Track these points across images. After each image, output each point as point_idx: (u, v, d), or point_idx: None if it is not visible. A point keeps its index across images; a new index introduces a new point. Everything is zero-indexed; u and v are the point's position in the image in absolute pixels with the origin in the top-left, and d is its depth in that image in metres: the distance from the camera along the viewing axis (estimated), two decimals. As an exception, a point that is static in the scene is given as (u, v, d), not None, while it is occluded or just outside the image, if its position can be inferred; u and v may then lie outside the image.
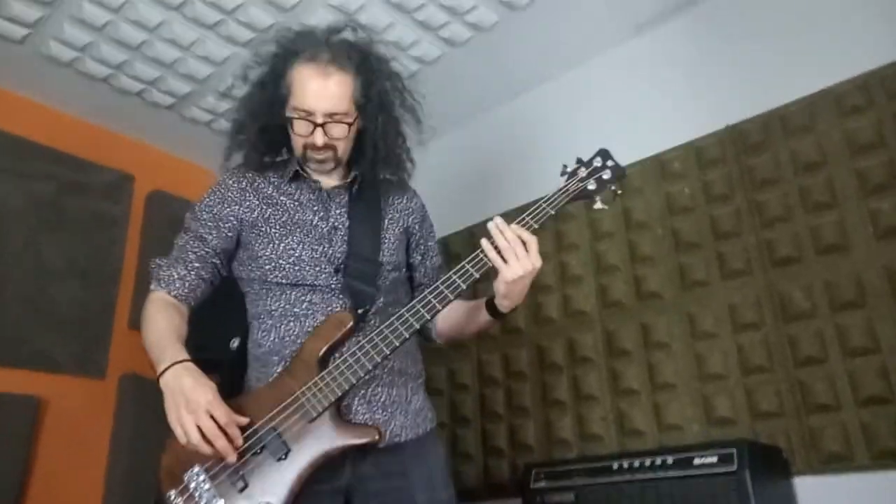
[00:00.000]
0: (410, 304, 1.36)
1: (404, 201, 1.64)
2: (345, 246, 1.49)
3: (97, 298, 2.95)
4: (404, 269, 1.60)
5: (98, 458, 2.75)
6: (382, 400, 1.42)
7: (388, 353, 1.33)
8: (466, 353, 2.94)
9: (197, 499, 1.27)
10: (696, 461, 1.93)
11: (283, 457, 1.28)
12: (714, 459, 1.91)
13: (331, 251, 1.48)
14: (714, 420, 2.27)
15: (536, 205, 1.41)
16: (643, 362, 2.47)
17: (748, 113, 2.45)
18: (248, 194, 1.53)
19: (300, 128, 1.48)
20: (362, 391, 1.40)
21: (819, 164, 2.27)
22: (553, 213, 1.41)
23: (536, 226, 1.38)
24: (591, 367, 2.59)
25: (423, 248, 1.66)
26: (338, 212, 1.53)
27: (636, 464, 2.03)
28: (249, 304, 1.52)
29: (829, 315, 2.14)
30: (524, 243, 1.34)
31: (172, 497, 1.28)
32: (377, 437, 1.32)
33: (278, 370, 1.41)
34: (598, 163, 1.48)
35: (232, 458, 1.25)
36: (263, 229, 1.49)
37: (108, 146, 3.16)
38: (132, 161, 3.21)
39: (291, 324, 1.44)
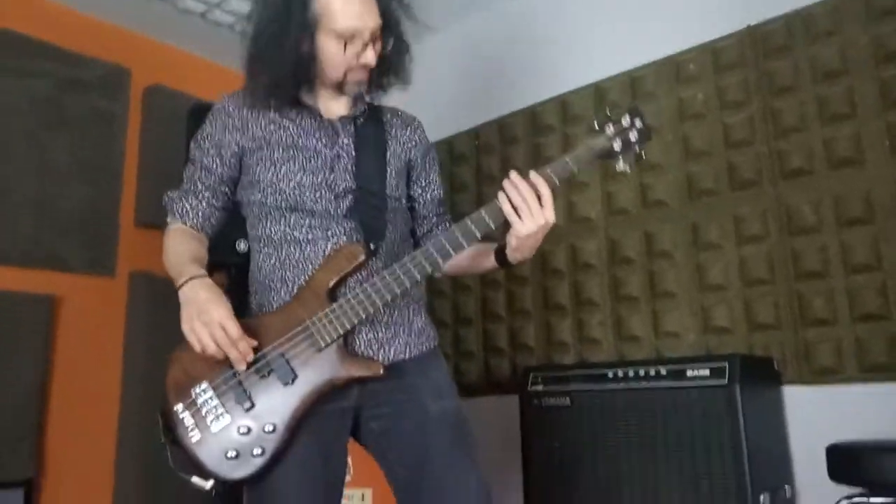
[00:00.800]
0: (425, 248, 1.36)
1: (408, 133, 1.59)
2: (348, 177, 1.47)
3: (102, 196, 2.95)
4: (405, 201, 1.59)
5: (114, 355, 2.85)
6: (385, 320, 1.45)
7: (398, 292, 1.35)
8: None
9: (204, 414, 1.31)
10: (690, 373, 1.99)
11: (290, 382, 1.32)
12: (706, 372, 1.96)
13: (332, 178, 1.46)
14: (711, 329, 2.32)
15: (560, 160, 1.37)
16: (645, 271, 2.49)
17: (770, 13, 2.32)
18: (250, 121, 1.48)
19: (350, 50, 1.43)
20: None
21: (840, 72, 2.17)
22: (576, 170, 1.37)
23: (557, 181, 1.34)
24: (592, 273, 2.61)
25: (423, 181, 1.62)
26: (345, 141, 1.48)
27: (631, 373, 2.09)
28: (250, 228, 1.51)
29: (835, 230, 2.13)
30: (539, 197, 1.31)
31: (180, 411, 1.32)
32: (381, 372, 1.36)
33: (282, 296, 1.43)
34: (626, 122, 1.42)
35: (242, 366, 1.30)
36: (266, 154, 1.46)
37: (103, 39, 3.05)
38: (128, 54, 3.10)
39: (291, 248, 1.44)
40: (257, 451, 1.29)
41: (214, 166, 1.49)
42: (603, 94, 2.66)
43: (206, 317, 1.28)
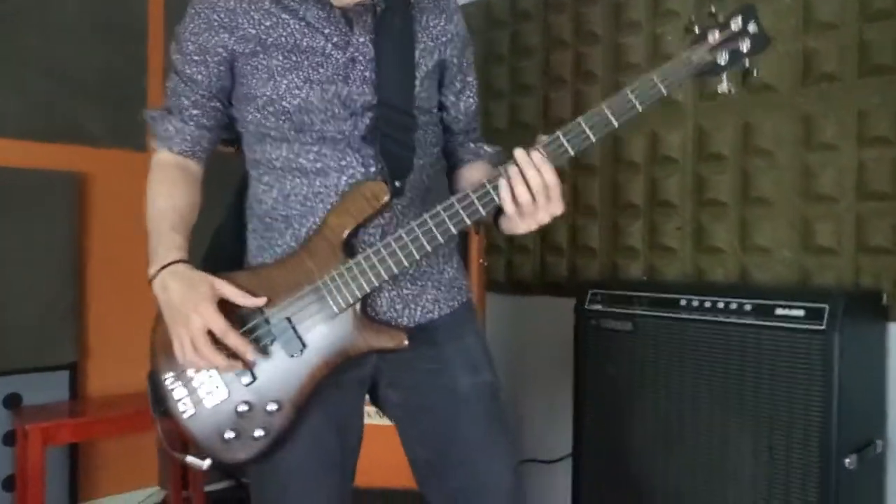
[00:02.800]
0: (460, 196, 1.09)
1: (442, 21, 1.24)
2: (367, 88, 1.14)
3: (126, 61, 2.68)
4: (436, 111, 1.26)
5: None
6: (411, 272, 1.19)
7: (429, 249, 1.09)
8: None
9: (196, 386, 1.13)
10: (780, 311, 1.67)
11: (298, 353, 1.11)
12: (800, 313, 1.64)
13: (346, 91, 1.14)
14: (811, 248, 1.95)
15: (640, 81, 1.06)
16: (738, 169, 2.08)
17: None
18: (238, 15, 1.15)
19: None
20: None
21: None
22: (664, 91, 1.06)
23: (593, 138, 1.07)
24: (673, 168, 2.22)
25: (458, 84, 1.28)
26: (360, 39, 1.15)
27: (708, 303, 1.79)
28: (246, 148, 1.22)
29: None
30: (546, 188, 1.06)
31: (170, 381, 1.14)
32: (405, 343, 1.12)
33: (287, 239, 1.17)
34: (736, 25, 1.08)
35: (238, 366, 1.09)
36: (261, 61, 1.14)
37: None
38: None
39: (298, 179, 1.16)
40: (259, 432, 1.11)
41: (200, 77, 1.18)
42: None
43: (186, 323, 1.07)
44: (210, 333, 1.06)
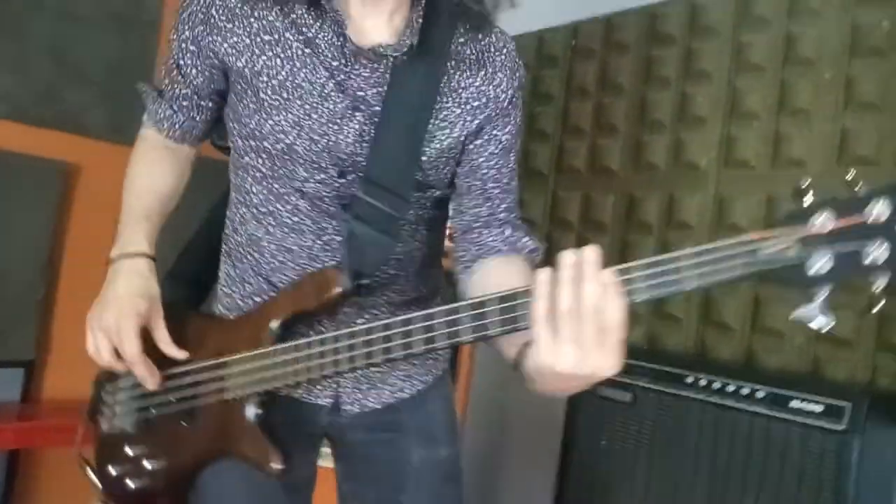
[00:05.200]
0: (422, 316, 0.82)
1: (477, 83, 0.98)
2: (360, 147, 0.95)
3: (133, 53, 2.58)
4: (446, 190, 1.04)
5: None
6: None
7: (378, 361, 0.87)
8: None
9: (114, 402, 1.09)
10: (794, 403, 1.54)
11: (190, 424, 1.01)
12: (818, 408, 1.51)
13: (339, 144, 0.95)
14: (826, 338, 1.82)
15: (707, 255, 0.70)
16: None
17: None
18: (237, 18, 0.96)
19: None
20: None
21: None
22: (692, 285, 0.71)
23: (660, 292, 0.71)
24: (688, 235, 2.11)
25: (485, 152, 1.01)
26: (368, 85, 0.94)
27: (716, 384, 1.66)
28: (232, 162, 1.08)
29: None
30: (604, 328, 0.69)
31: (103, 397, 1.11)
32: (275, 471, 0.95)
33: (244, 292, 1.06)
34: (875, 211, 0.64)
35: (149, 386, 0.99)
36: (251, 85, 0.96)
37: None
38: None
39: (273, 228, 1.01)
40: (134, 482, 1.06)
41: (192, 73, 1.03)
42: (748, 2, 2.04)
43: (107, 321, 0.95)
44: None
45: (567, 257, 0.70)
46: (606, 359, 0.70)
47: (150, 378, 0.97)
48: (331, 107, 0.94)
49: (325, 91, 0.94)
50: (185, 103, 1.07)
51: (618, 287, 0.69)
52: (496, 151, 1.00)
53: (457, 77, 0.97)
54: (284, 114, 0.94)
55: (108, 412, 1.09)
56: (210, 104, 1.07)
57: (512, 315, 0.75)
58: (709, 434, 1.64)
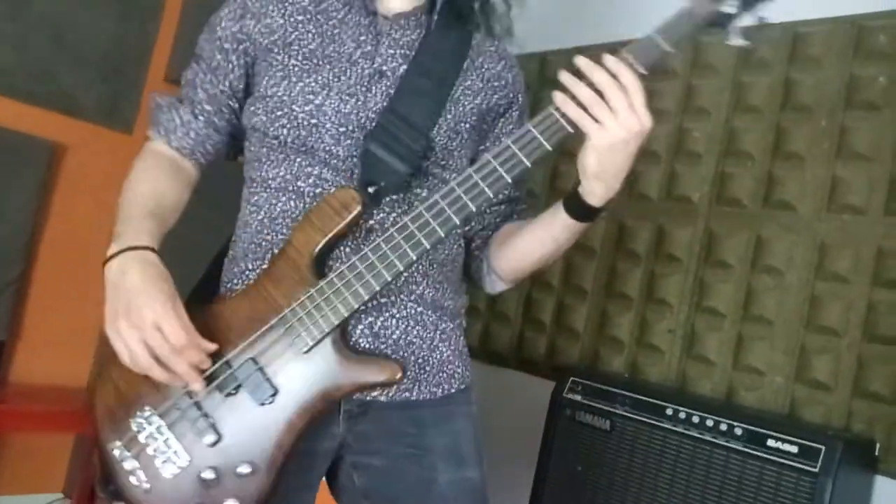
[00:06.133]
0: (447, 189, 0.92)
1: (498, 69, 1.12)
2: (385, 102, 1.01)
3: (133, 38, 2.55)
4: (464, 161, 1.08)
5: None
6: (395, 337, 1.01)
7: (413, 257, 0.91)
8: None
9: (151, 454, 0.91)
10: (771, 443, 1.56)
11: (269, 400, 0.92)
12: (794, 449, 1.53)
13: (368, 104, 1.01)
14: (805, 380, 1.85)
15: (645, 37, 0.94)
16: (743, 282, 2.00)
17: None
18: (272, 4, 1.05)
19: None
20: (370, 318, 1.00)
21: None
22: (670, 50, 0.93)
23: (643, 70, 0.91)
24: (676, 268, 2.14)
25: (508, 130, 1.14)
26: (392, 51, 1.03)
27: (696, 417, 1.67)
28: (246, 164, 1.08)
29: None
30: (624, 89, 0.89)
31: (117, 454, 0.92)
32: (399, 376, 0.94)
33: (259, 265, 1.02)
34: None
35: (197, 386, 0.90)
36: (276, 57, 1.03)
37: None
38: None
39: (292, 202, 1.01)
40: (231, 502, 0.91)
41: (228, 68, 1.06)
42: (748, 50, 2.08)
43: (136, 315, 0.86)
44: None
45: (566, 74, 0.91)
46: (640, 117, 0.90)
47: (197, 370, 0.89)
48: (358, 71, 1.02)
49: (353, 58, 1.02)
50: (207, 107, 1.07)
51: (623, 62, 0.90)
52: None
53: (479, 60, 1.10)
54: (315, 76, 1.01)
55: (140, 470, 0.92)
56: (233, 104, 1.08)
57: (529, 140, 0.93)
58: (685, 467, 1.65)
